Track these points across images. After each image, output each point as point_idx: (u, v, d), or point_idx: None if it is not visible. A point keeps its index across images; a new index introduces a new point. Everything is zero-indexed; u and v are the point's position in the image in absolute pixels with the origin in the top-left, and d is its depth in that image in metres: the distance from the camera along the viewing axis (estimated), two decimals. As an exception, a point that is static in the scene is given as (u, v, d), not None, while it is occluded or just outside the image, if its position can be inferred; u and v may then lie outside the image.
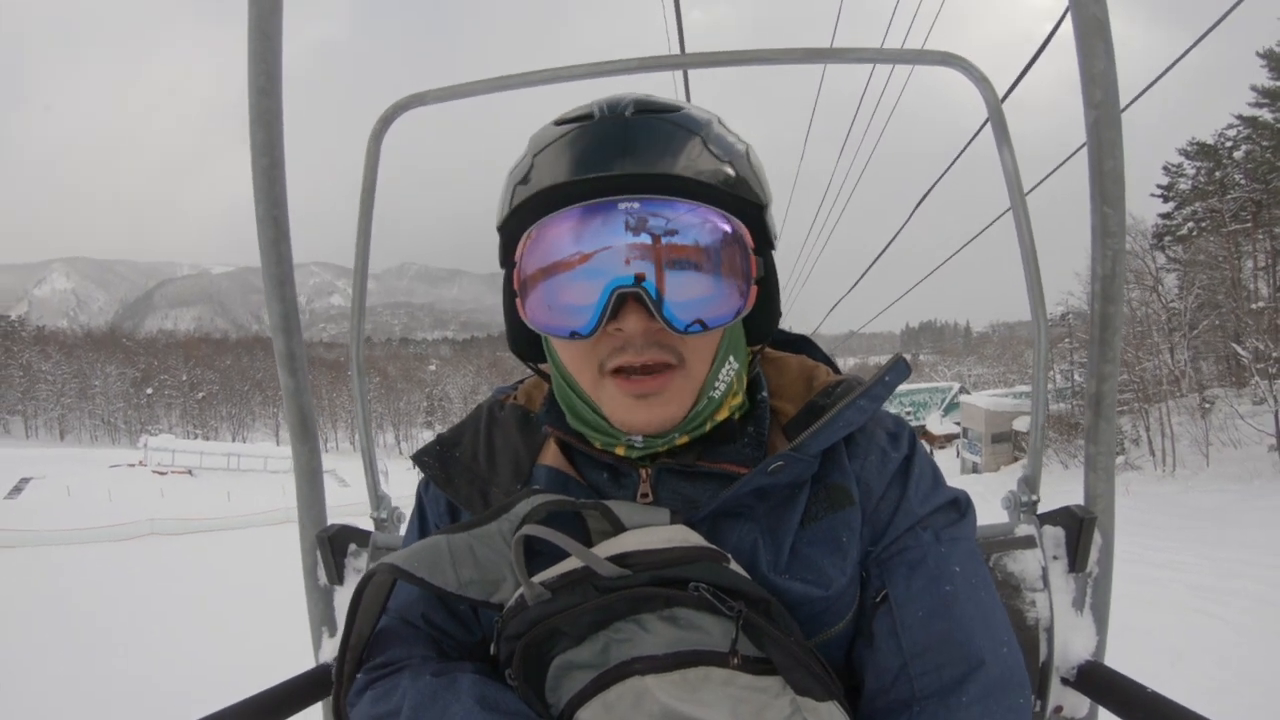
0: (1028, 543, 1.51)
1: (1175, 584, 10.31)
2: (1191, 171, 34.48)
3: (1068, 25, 1.41)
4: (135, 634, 14.38)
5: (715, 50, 1.59)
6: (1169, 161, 35.18)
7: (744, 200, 0.95)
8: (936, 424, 61.68)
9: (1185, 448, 27.59)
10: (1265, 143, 30.52)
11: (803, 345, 1.25)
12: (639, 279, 0.88)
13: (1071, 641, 1.47)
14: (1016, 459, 39.77)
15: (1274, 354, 24.95)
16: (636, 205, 0.88)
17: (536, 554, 0.91)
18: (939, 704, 0.87)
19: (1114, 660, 1.47)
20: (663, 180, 0.90)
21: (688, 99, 1.05)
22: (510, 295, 1.01)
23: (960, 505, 1.03)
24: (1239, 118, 31.78)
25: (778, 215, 1.05)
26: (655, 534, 0.90)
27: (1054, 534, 1.55)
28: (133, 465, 67.77)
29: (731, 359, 0.99)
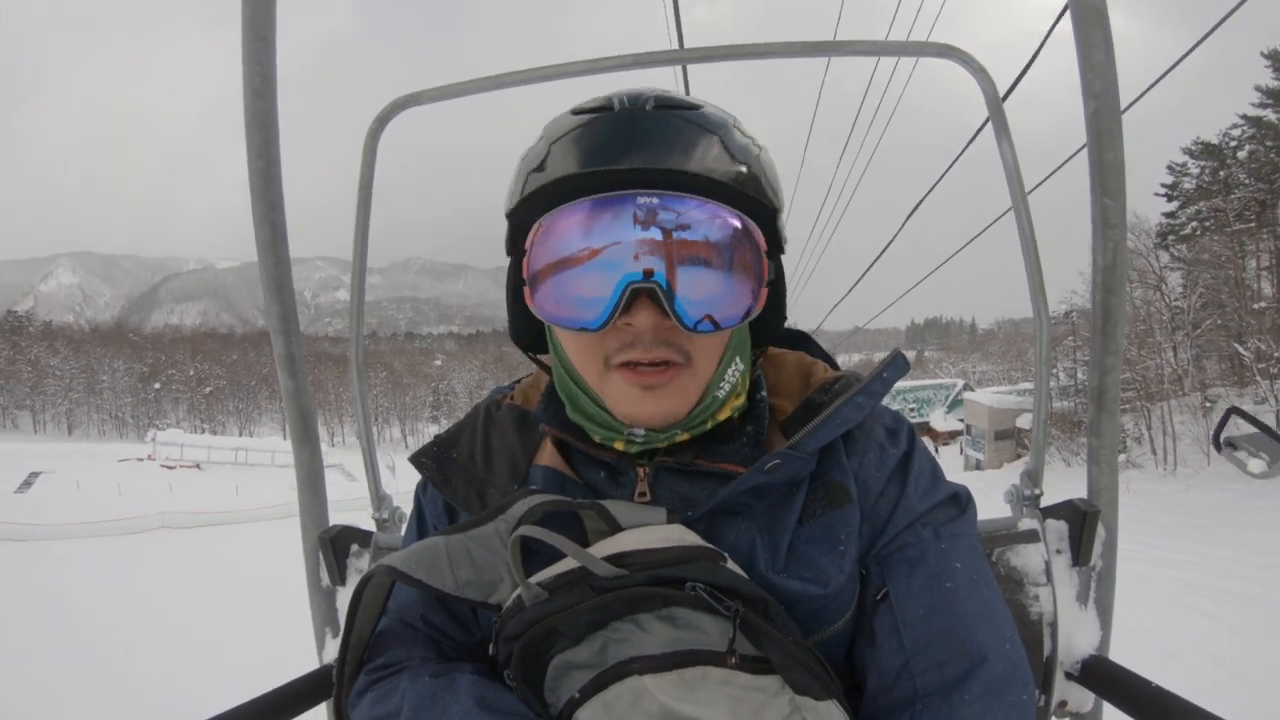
0: (1031, 537, 1.51)
1: (1172, 582, 10.30)
2: (1196, 171, 34.33)
3: (1069, 21, 1.40)
4: (144, 629, 14.39)
5: (713, 45, 1.60)
6: (1173, 161, 35.05)
7: (757, 202, 0.96)
8: (940, 421, 61.54)
9: (1186, 446, 27.51)
10: (1269, 143, 30.38)
11: (801, 341, 1.25)
12: (649, 274, 0.88)
13: (1075, 636, 1.47)
14: (1019, 456, 39.61)
15: (1276, 354, 24.87)
16: (654, 200, 0.88)
17: (533, 554, 0.91)
18: (941, 701, 0.87)
19: (1112, 657, 1.47)
20: (678, 177, 0.90)
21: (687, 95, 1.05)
22: (516, 283, 1.01)
23: (960, 501, 1.03)
24: (1243, 117, 31.66)
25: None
26: (652, 533, 0.90)
27: (1057, 528, 1.54)
28: (141, 460, 67.96)
29: (738, 360, 1.00)
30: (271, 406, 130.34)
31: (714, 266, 0.91)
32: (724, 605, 0.82)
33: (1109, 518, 1.55)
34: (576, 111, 0.96)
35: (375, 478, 1.78)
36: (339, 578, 1.68)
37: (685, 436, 1.00)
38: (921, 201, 7.15)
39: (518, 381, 1.25)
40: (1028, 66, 3.98)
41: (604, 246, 0.89)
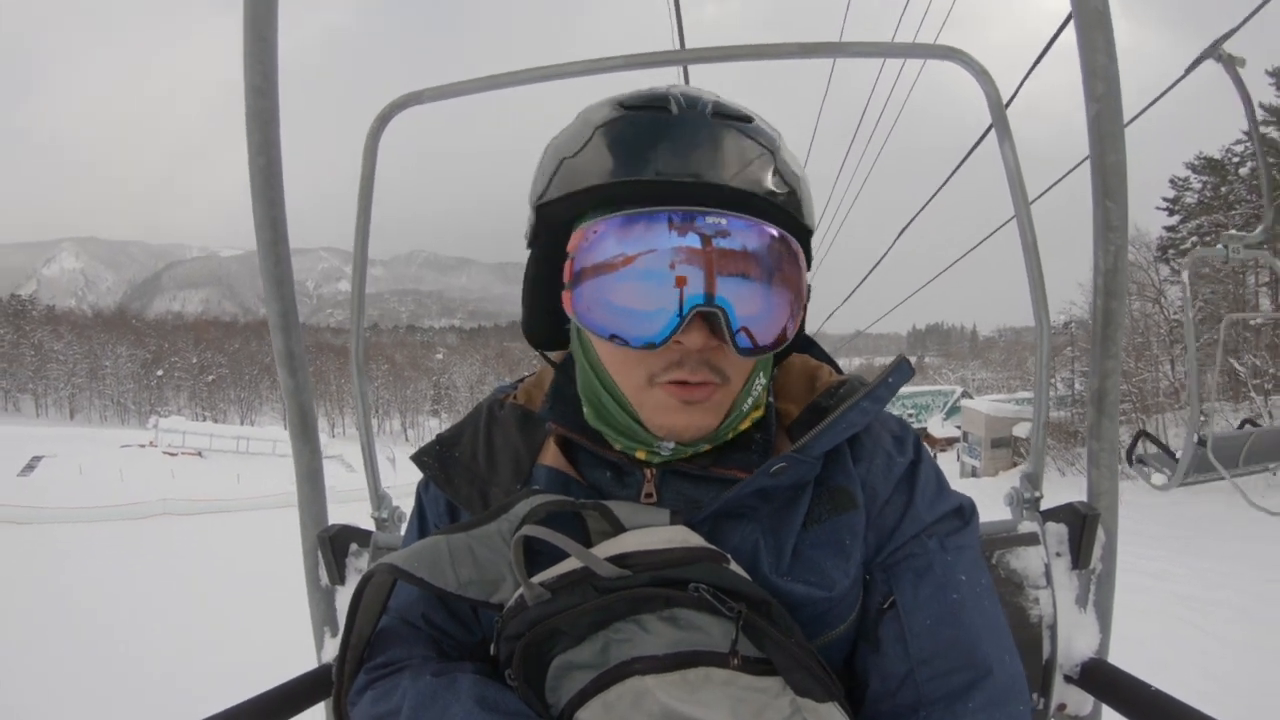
0: (1030, 539, 1.51)
1: (1163, 593, 10.34)
2: (1198, 185, 34.29)
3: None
4: (146, 621, 14.38)
5: (713, 46, 1.56)
6: (1175, 175, 35.04)
7: (797, 222, 0.95)
8: (938, 427, 61.40)
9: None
10: (1271, 159, 30.30)
11: (804, 344, 1.24)
12: (711, 297, 0.87)
13: (1075, 639, 1.48)
14: (1015, 464, 39.58)
15: (1270, 370, 24.86)
16: (723, 222, 0.87)
17: (536, 554, 0.91)
18: (945, 710, 0.87)
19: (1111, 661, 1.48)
20: (742, 196, 0.89)
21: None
22: (539, 279, 1.01)
23: (964, 513, 1.03)
24: (1246, 133, 31.61)
25: None
26: (655, 534, 0.90)
27: (1057, 530, 1.55)
28: (143, 446, 68.03)
29: (761, 375, 1.00)
30: (273, 396, 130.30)
31: (768, 291, 0.91)
32: (727, 606, 0.82)
33: (1109, 521, 1.55)
34: (627, 106, 0.93)
35: (374, 477, 1.77)
36: (338, 577, 1.68)
37: (708, 447, 1.00)
38: (921, 210, 7.14)
39: (520, 380, 1.23)
40: (1031, 69, 3.98)
41: (664, 263, 0.86)
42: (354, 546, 1.68)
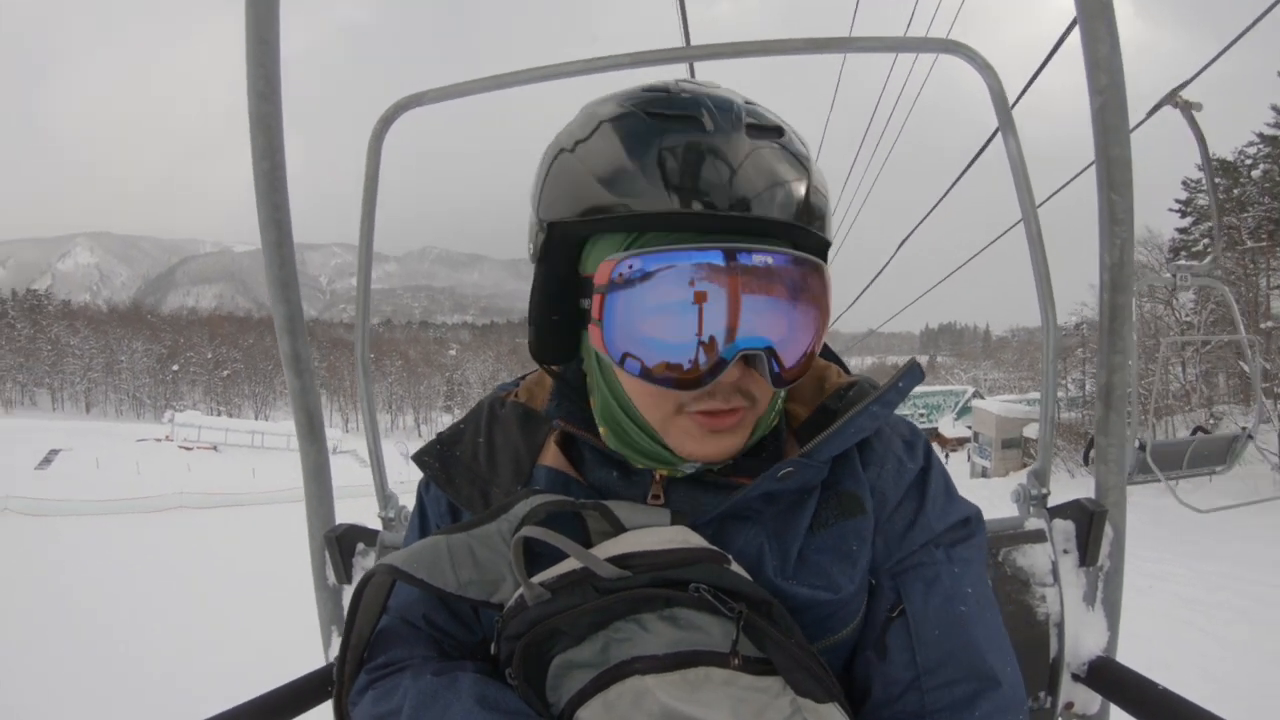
0: (1037, 537, 1.52)
1: (1166, 595, 10.29)
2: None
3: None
4: (151, 618, 14.45)
5: (715, 43, 1.57)
6: (1188, 177, 34.67)
7: (824, 242, 0.93)
8: (949, 427, 61.03)
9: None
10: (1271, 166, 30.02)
11: None
12: (756, 339, 0.86)
13: (1082, 637, 1.48)
14: (1025, 465, 39.36)
15: (1280, 374, 24.69)
16: (769, 260, 0.84)
17: (536, 554, 0.90)
18: (950, 718, 0.88)
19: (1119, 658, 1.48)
20: (784, 229, 0.87)
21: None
22: (548, 295, 0.96)
23: (972, 524, 1.02)
24: (1259, 135, 31.30)
25: None
26: (655, 535, 0.90)
27: (1064, 528, 1.54)
28: (159, 440, 68.49)
29: (782, 390, 0.98)
30: (287, 392, 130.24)
31: (804, 322, 0.90)
32: (727, 606, 0.82)
33: (1117, 517, 1.53)
34: (651, 113, 0.88)
35: (381, 477, 1.80)
36: (345, 576, 1.68)
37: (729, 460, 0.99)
38: (933, 209, 7.12)
39: (522, 377, 1.22)
40: (1040, 69, 3.96)
41: (719, 303, 0.83)
42: (361, 546, 1.69)
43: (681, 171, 0.84)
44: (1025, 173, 1.52)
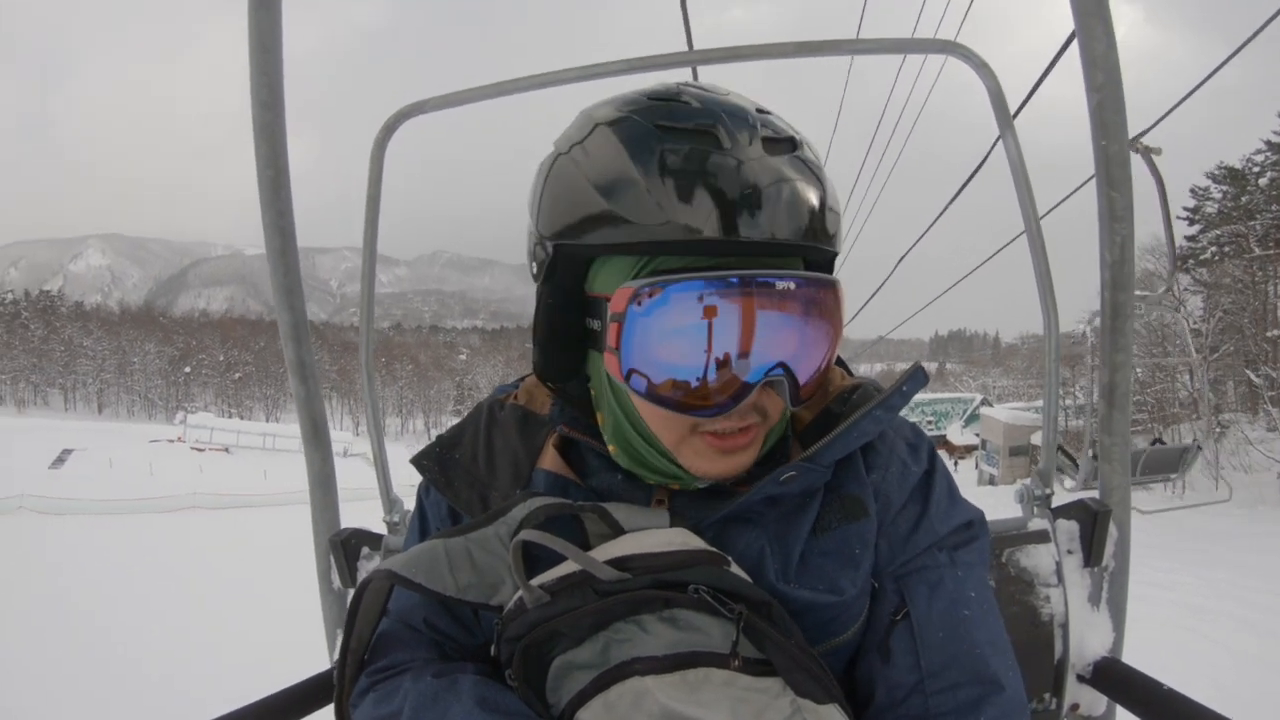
0: (1041, 537, 1.52)
1: (1170, 603, 10.17)
2: (1219, 195, 33.66)
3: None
4: (150, 620, 14.42)
5: (714, 47, 1.57)
6: (1196, 185, 34.43)
7: (832, 252, 0.92)
8: (957, 435, 60.79)
9: (1196, 470, 27.06)
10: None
11: None
12: (778, 365, 0.85)
13: (1087, 638, 1.47)
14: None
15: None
16: (791, 286, 0.82)
17: (535, 557, 0.89)
18: None
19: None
20: (799, 247, 0.86)
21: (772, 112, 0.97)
22: (553, 315, 0.94)
23: (975, 527, 1.01)
24: (1267, 143, 31.08)
25: None
26: (654, 537, 0.90)
27: (1068, 528, 1.53)
28: (172, 441, 68.99)
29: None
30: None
31: (820, 342, 0.89)
32: (727, 607, 0.81)
33: (1121, 517, 1.53)
34: (662, 126, 0.84)
35: (386, 482, 1.80)
36: (350, 580, 1.69)
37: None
38: (940, 215, 7.11)
39: (521, 379, 1.19)
40: (1045, 75, 3.95)
41: (728, 330, 0.82)
42: (365, 550, 1.69)
43: (698, 193, 0.80)
44: (1025, 173, 1.53)
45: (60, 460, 53.12)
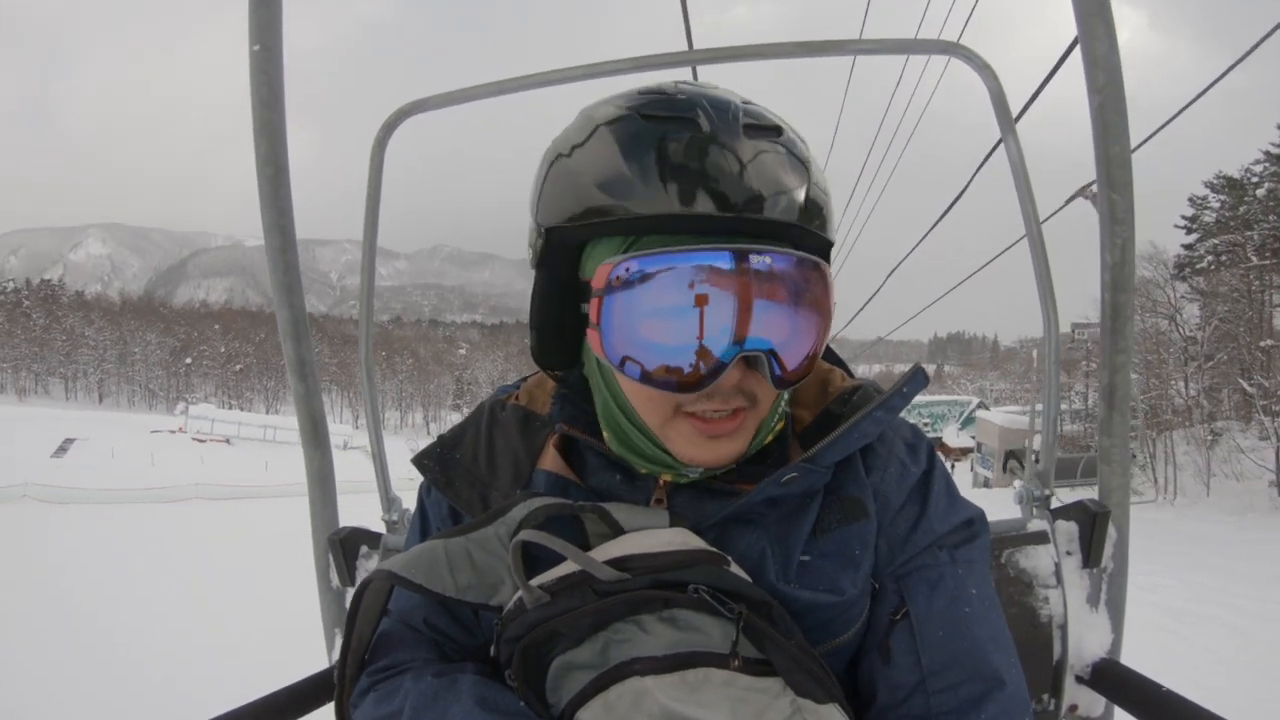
0: (1040, 538, 1.51)
1: (1153, 607, 10.21)
2: (1216, 205, 33.66)
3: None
4: (151, 620, 14.38)
5: (713, 47, 1.57)
6: (1194, 194, 34.42)
7: (826, 242, 0.92)
8: (954, 437, 60.63)
9: (1188, 477, 27.17)
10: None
11: None
12: (755, 339, 0.84)
13: (1086, 639, 1.48)
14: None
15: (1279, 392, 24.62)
16: (767, 260, 0.83)
17: (535, 557, 0.89)
18: None
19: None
20: (784, 229, 0.86)
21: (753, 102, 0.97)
22: (548, 301, 0.97)
23: (975, 525, 1.01)
24: (1265, 154, 31.07)
25: None
26: (654, 537, 0.90)
27: (1067, 529, 1.53)
28: (173, 432, 69.12)
29: (785, 391, 0.97)
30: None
31: (805, 322, 0.88)
32: (726, 607, 0.81)
33: (1120, 518, 1.52)
34: (647, 115, 0.87)
35: (385, 481, 1.80)
36: (349, 579, 1.69)
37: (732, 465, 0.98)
38: (941, 218, 7.13)
39: (523, 380, 1.20)
40: (1049, 77, 3.96)
41: (706, 304, 0.82)
42: (364, 549, 1.69)
43: (679, 172, 0.82)
44: (1025, 173, 1.54)
45: (63, 449, 53.24)
